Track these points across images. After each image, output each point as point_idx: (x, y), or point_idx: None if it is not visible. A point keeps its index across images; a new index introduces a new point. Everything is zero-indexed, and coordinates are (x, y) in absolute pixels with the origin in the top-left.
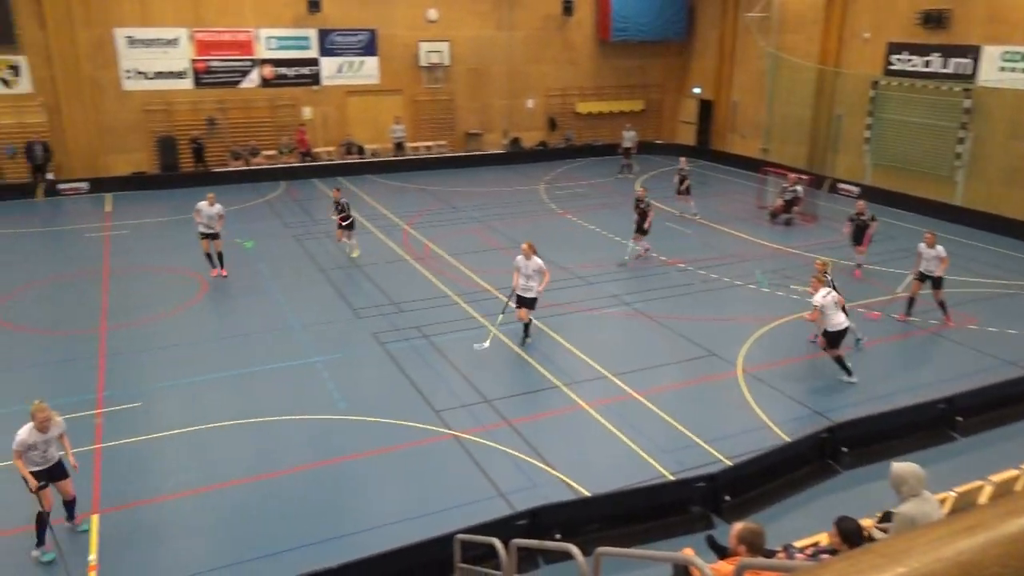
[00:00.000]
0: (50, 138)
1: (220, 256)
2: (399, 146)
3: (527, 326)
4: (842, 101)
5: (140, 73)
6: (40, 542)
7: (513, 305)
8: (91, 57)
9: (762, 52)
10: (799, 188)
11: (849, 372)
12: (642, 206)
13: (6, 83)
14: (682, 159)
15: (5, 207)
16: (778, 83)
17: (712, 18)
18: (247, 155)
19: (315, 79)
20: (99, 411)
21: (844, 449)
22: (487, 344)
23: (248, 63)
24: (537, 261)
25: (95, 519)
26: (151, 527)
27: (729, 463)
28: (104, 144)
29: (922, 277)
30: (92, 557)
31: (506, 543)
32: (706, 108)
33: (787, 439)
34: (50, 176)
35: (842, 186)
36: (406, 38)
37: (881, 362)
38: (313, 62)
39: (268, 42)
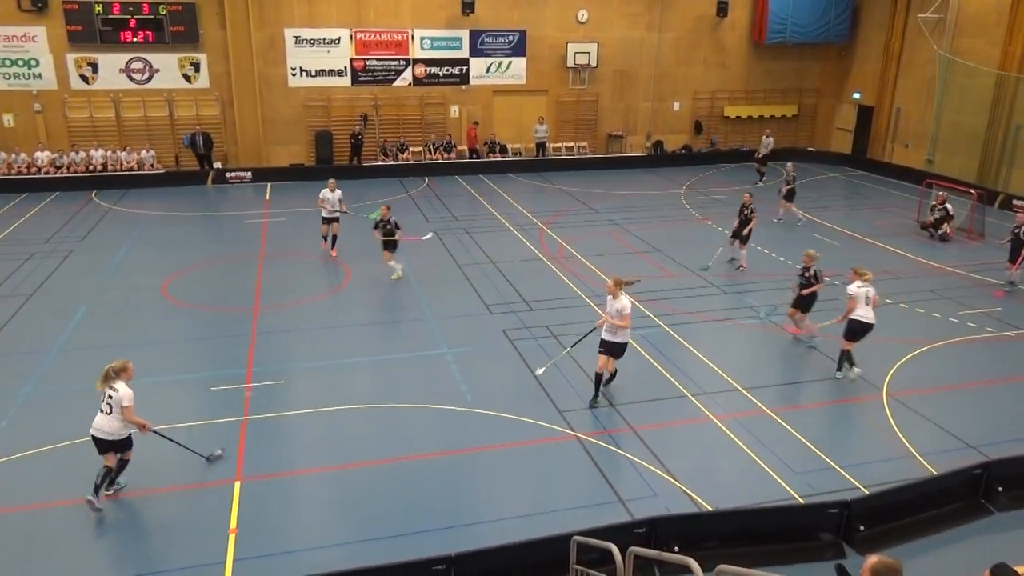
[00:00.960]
0: (221, 130)
1: (335, 238)
2: (541, 146)
3: (600, 378)
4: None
5: (304, 71)
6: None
7: (600, 349)
8: (262, 55)
9: (933, 56)
10: (948, 207)
11: (850, 365)
12: (746, 212)
13: (188, 79)
14: (788, 164)
15: (180, 192)
16: (949, 90)
17: (879, 19)
18: (395, 150)
19: (464, 79)
20: (248, 385)
21: (1000, 488)
22: (542, 371)
23: (402, 62)
24: (622, 301)
25: (237, 486)
26: (286, 498)
27: (866, 491)
28: (268, 136)
29: None
30: (233, 523)
31: (623, 550)
32: (865, 115)
33: (934, 472)
34: (217, 165)
35: (1017, 203)
36: (555, 39)
37: None
38: (463, 62)
39: (422, 42)
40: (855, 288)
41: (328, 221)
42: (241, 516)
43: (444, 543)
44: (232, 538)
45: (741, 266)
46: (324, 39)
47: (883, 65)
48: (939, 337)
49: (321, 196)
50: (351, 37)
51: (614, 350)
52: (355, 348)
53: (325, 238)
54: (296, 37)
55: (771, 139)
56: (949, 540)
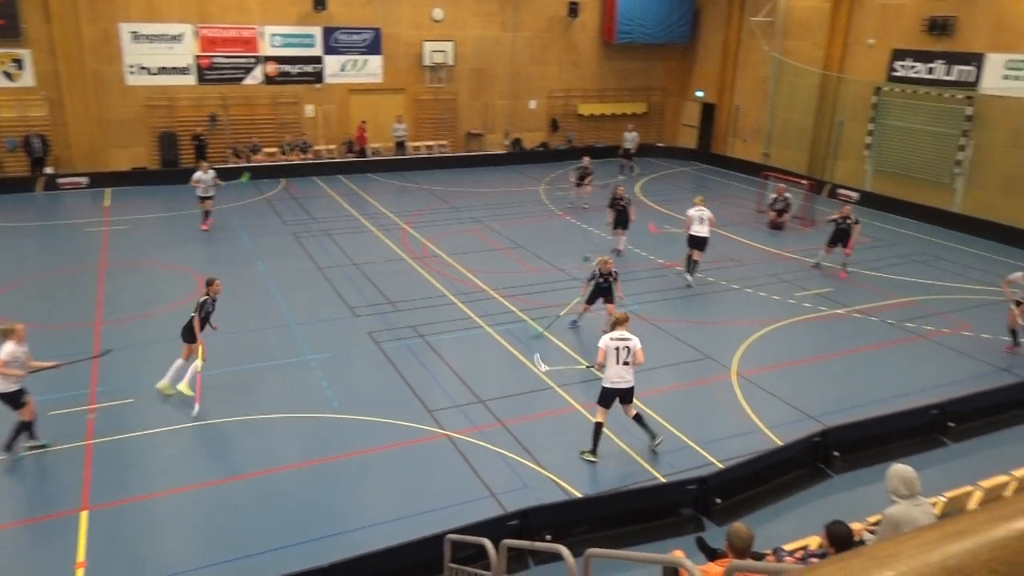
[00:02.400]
0: (51, 132)
1: (208, 213)
2: (400, 145)
3: (640, 420)
4: (844, 107)
5: (143, 68)
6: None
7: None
8: (95, 51)
9: (766, 57)
10: (789, 196)
11: (689, 273)
12: (622, 204)
13: (9, 76)
14: (585, 158)
15: (5, 200)
16: (780, 88)
17: (717, 22)
18: (248, 152)
19: (318, 77)
20: (92, 407)
21: (836, 453)
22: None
23: (252, 60)
24: (634, 340)
25: (84, 516)
26: (142, 524)
27: (720, 466)
28: (105, 139)
29: None
30: (80, 555)
31: (496, 543)
32: (708, 112)
33: (779, 442)
34: (49, 170)
35: (841, 192)
36: (410, 37)
37: (877, 367)
38: (317, 60)
39: (272, 39)
40: (691, 211)
41: (203, 199)
42: (90, 548)
43: (318, 554)
44: (80, 572)
45: (619, 251)
46: (165, 35)
47: (722, 65)
48: (779, 317)
49: (195, 178)
50: (195, 33)
51: (626, 395)
52: (212, 360)
53: (206, 214)
54: (133, 32)
55: (635, 133)
56: (795, 504)
